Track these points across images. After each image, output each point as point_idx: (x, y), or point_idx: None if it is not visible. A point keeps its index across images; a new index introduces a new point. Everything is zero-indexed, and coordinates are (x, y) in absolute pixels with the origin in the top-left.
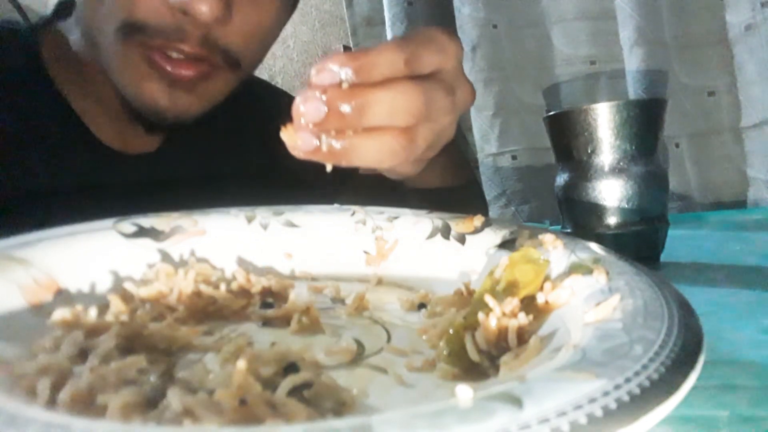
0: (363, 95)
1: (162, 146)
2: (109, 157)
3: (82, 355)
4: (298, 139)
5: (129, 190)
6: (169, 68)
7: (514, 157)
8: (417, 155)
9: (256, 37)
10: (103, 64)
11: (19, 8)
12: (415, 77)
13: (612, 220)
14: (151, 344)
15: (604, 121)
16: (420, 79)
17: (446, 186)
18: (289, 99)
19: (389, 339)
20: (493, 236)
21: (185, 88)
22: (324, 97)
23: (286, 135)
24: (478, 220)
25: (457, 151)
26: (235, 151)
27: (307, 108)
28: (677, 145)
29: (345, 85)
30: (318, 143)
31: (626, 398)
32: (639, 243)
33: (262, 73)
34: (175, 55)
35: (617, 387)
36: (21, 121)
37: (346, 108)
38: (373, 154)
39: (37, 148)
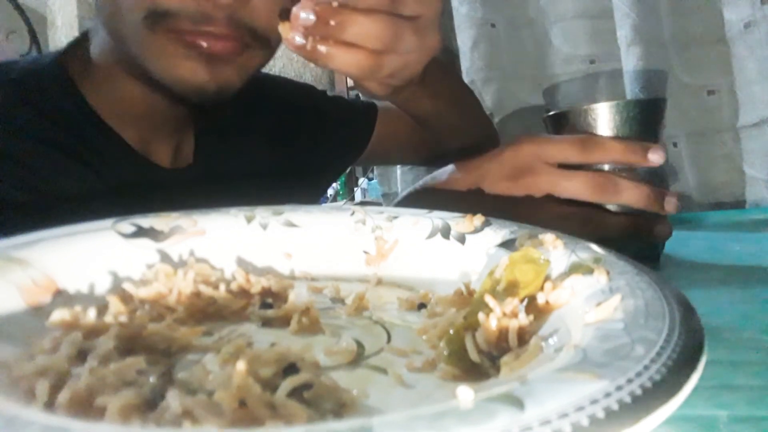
0: (345, 15)
1: (194, 156)
2: (148, 170)
3: (81, 356)
4: (290, 35)
5: (165, 201)
6: (204, 44)
7: None
8: (381, 76)
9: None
10: (134, 59)
11: (18, 8)
12: (395, 15)
13: None
14: (151, 345)
15: (604, 121)
16: (398, 17)
17: (439, 112)
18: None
19: (389, 339)
20: (493, 236)
21: (223, 61)
22: (316, 9)
23: (283, 28)
24: (478, 219)
25: (452, 81)
26: (268, 153)
27: (301, 14)
28: (675, 145)
29: (335, 4)
30: (304, 42)
31: (628, 399)
32: (639, 243)
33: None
34: (206, 34)
35: (619, 388)
36: (62, 146)
37: (330, 21)
38: (344, 62)
39: (79, 167)
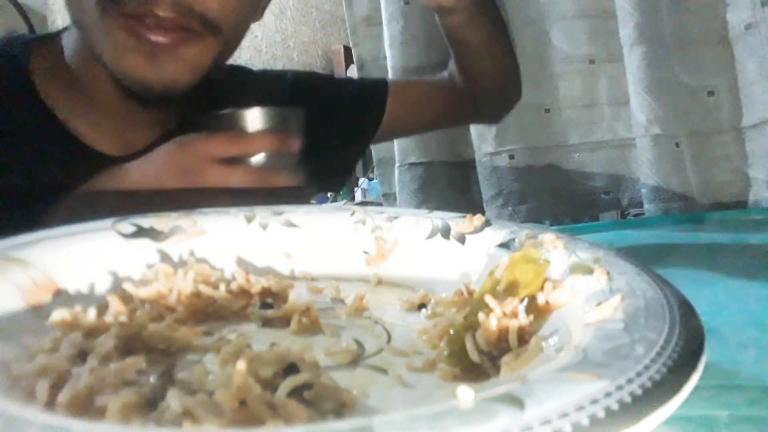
0: None
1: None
2: (93, 160)
3: (81, 356)
4: None
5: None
6: (146, 34)
7: (511, 157)
8: None
9: (235, 4)
10: (94, 47)
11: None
12: None
13: None
14: (151, 345)
15: (249, 122)
16: None
17: (490, 40)
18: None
19: (389, 339)
20: (494, 236)
21: (167, 55)
22: None
23: None
24: (478, 220)
25: (497, 11)
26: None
27: None
28: (677, 145)
29: None
30: None
31: (628, 399)
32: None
33: None
34: (151, 22)
35: (619, 388)
36: (5, 131)
37: None
38: None
39: (21, 156)
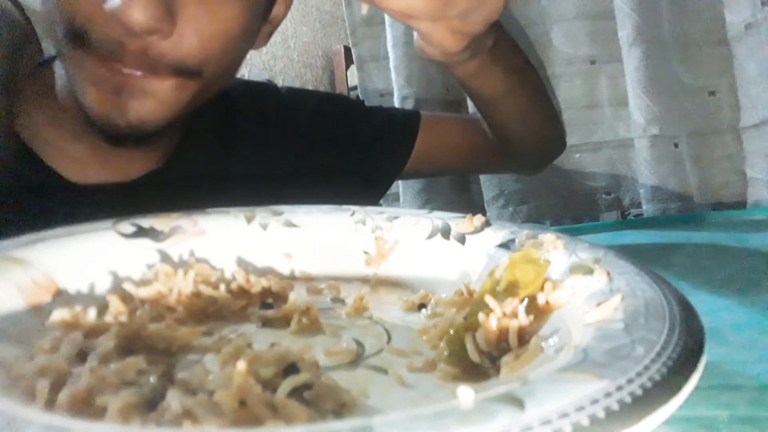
0: None
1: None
2: (72, 192)
3: (81, 356)
4: None
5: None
6: (116, 64)
7: None
8: (454, 12)
9: (214, 47)
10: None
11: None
12: None
13: None
14: (151, 345)
15: None
16: None
17: (512, 90)
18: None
19: (389, 339)
20: (494, 236)
21: (135, 90)
22: None
23: None
24: (478, 220)
25: (524, 62)
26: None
27: None
28: (677, 145)
29: None
30: None
31: (628, 399)
32: None
33: (262, 73)
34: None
35: (619, 388)
36: None
37: None
38: None
39: (16, 200)
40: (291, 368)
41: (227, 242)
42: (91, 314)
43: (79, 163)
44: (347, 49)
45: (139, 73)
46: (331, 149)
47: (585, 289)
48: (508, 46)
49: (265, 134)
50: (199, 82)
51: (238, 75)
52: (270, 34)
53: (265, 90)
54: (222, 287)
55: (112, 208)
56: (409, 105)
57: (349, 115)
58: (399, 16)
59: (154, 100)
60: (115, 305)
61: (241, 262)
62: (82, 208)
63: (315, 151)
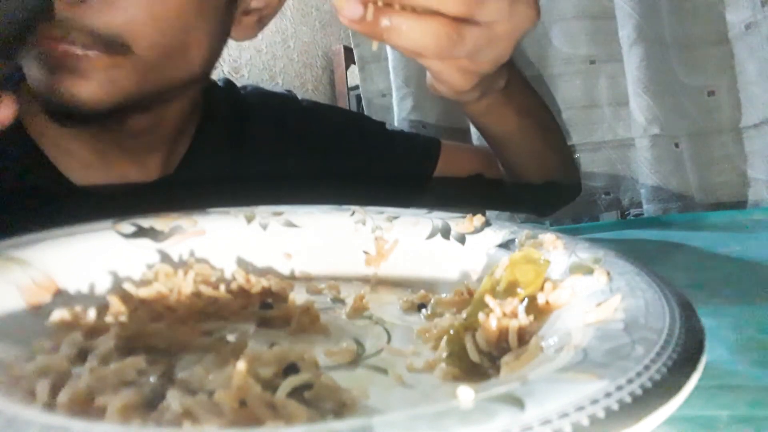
0: None
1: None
2: (82, 198)
3: (82, 356)
4: (346, 5)
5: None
6: (53, 44)
7: None
8: (463, 53)
9: (137, 17)
10: None
11: None
12: None
13: None
14: (151, 345)
15: None
16: None
17: (524, 130)
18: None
19: (389, 339)
20: (494, 236)
21: (70, 72)
22: None
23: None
24: (478, 220)
25: (538, 103)
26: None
27: None
28: (677, 145)
29: None
30: (363, 13)
31: (628, 399)
32: None
33: (262, 73)
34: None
35: (619, 388)
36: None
37: None
38: (416, 35)
39: (22, 202)
40: (291, 368)
41: (227, 242)
42: (91, 314)
43: (85, 166)
44: (347, 49)
45: (74, 50)
46: (347, 170)
47: (585, 289)
48: (521, 87)
49: (281, 145)
50: (132, 59)
51: (239, 75)
52: (256, 26)
53: (284, 101)
54: (222, 287)
55: (117, 214)
56: (407, 105)
57: (369, 138)
58: (408, 54)
59: (90, 80)
60: (115, 305)
61: (241, 262)
62: (87, 212)
63: (331, 169)
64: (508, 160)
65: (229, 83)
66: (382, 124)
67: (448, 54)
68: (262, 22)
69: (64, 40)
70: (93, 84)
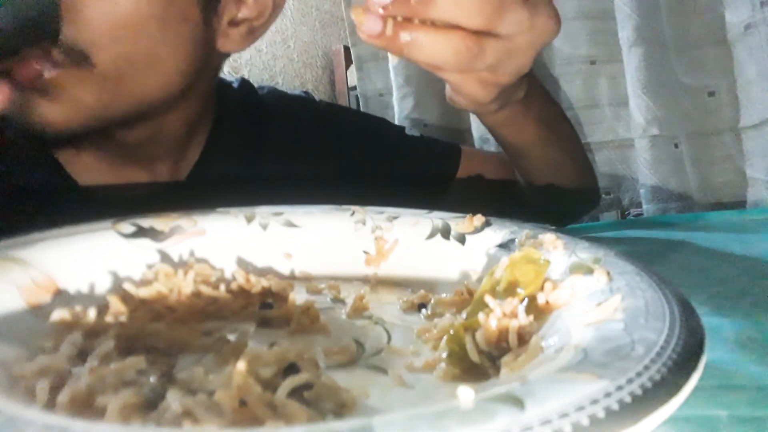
0: None
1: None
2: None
3: (81, 356)
4: (365, 21)
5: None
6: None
7: None
8: (483, 66)
9: (95, 26)
10: None
11: None
12: None
13: None
14: (151, 345)
15: None
16: None
17: (543, 141)
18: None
19: (389, 339)
20: (494, 236)
21: (38, 92)
22: None
23: (356, 14)
24: (478, 220)
25: (557, 112)
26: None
27: None
28: (677, 146)
29: None
30: (382, 28)
31: (628, 399)
32: None
33: (262, 73)
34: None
35: (619, 388)
36: (27, 193)
37: None
38: (435, 49)
39: (31, 203)
40: (291, 368)
41: (227, 242)
42: (91, 314)
43: (93, 170)
44: (347, 49)
45: (38, 66)
46: (365, 174)
47: (585, 289)
48: (540, 98)
49: (298, 148)
50: (95, 74)
51: (239, 75)
52: (246, 37)
53: (302, 103)
54: (222, 287)
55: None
56: (408, 105)
57: (387, 142)
58: (428, 67)
59: (56, 101)
60: (115, 305)
61: (241, 262)
62: (96, 214)
63: (349, 171)
64: (526, 169)
65: (245, 84)
66: (402, 128)
67: (469, 67)
68: (253, 34)
69: (33, 58)
70: (59, 105)
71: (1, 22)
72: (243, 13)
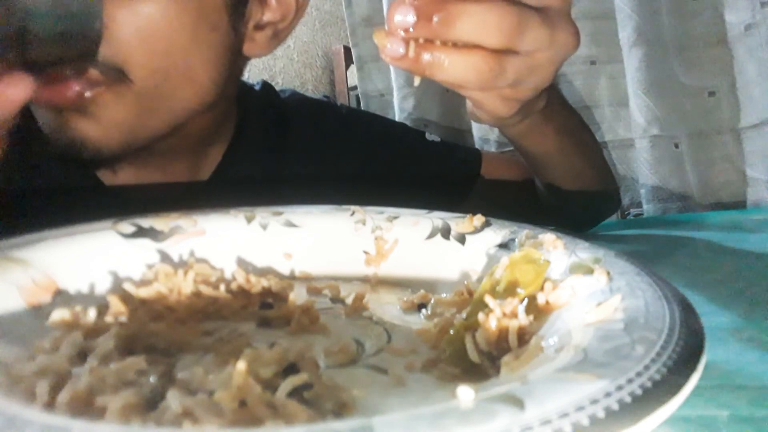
0: (453, 6)
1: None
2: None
3: (82, 356)
4: (387, 43)
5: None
6: (45, 90)
7: None
8: (504, 84)
9: (130, 40)
10: None
11: None
12: (516, 2)
13: None
14: (151, 345)
15: None
16: (521, 4)
17: (564, 151)
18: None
19: (389, 339)
20: (494, 236)
21: (77, 112)
22: (415, 3)
23: (378, 37)
24: (478, 220)
25: (577, 121)
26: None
27: (396, 14)
28: (677, 146)
29: None
30: (405, 51)
31: (628, 399)
32: None
33: (262, 73)
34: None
35: (619, 388)
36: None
37: (434, 17)
38: (457, 69)
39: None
40: (291, 368)
41: (227, 242)
42: (91, 314)
43: (115, 170)
44: (347, 49)
45: (75, 86)
46: (385, 178)
47: (585, 289)
48: (560, 106)
49: (319, 152)
50: (132, 89)
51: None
52: (271, 41)
53: (324, 107)
54: (222, 287)
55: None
56: (409, 105)
57: (408, 147)
58: (450, 86)
59: (93, 119)
60: (115, 305)
61: (241, 262)
62: (117, 212)
63: (370, 174)
64: (547, 178)
65: (267, 87)
66: (422, 133)
67: (491, 85)
68: (278, 37)
69: (69, 78)
70: (98, 123)
71: (40, 31)
72: (267, 16)
